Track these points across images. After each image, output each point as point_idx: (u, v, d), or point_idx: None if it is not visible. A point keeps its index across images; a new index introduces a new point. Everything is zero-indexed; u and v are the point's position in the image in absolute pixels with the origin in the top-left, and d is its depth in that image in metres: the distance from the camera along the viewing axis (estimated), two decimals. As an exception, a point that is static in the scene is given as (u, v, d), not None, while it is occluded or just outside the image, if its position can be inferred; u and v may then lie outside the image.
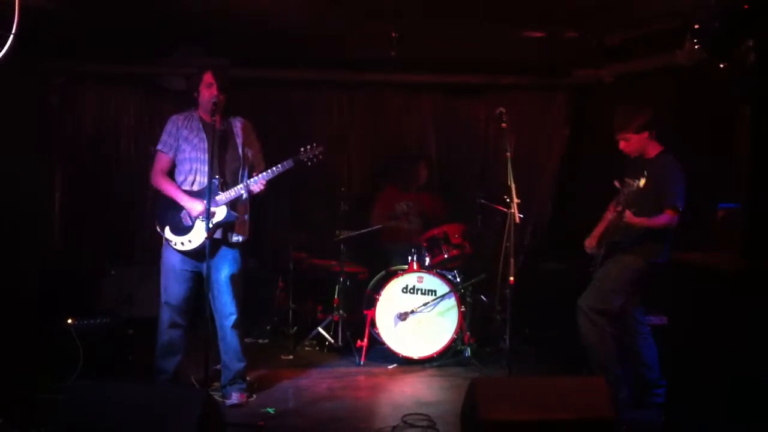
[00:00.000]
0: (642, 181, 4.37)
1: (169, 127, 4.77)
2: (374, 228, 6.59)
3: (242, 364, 4.89)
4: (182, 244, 4.65)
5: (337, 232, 6.33)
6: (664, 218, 4.59)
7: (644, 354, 4.89)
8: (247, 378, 5.03)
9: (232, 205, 4.67)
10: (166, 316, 4.75)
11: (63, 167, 6.93)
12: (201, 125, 4.73)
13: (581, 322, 4.81)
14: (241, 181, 4.70)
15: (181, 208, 4.66)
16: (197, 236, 4.63)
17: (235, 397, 4.80)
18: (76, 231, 6.95)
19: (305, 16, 5.57)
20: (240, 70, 6.61)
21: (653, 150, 4.80)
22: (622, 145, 4.83)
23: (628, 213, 4.54)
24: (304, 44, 6.42)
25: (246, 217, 4.84)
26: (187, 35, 6.17)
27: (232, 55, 6.48)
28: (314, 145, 4.78)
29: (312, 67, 7.13)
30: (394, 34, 5.93)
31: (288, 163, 4.70)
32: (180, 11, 5.40)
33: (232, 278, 4.79)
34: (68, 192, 6.92)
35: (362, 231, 6.44)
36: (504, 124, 4.80)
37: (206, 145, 4.65)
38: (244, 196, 4.72)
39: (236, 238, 4.78)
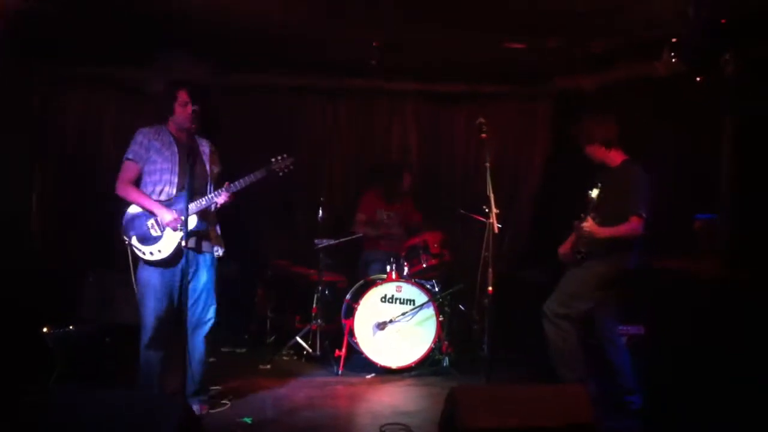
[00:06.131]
0: (594, 192, 4.47)
1: (140, 138, 4.73)
2: (354, 236, 6.58)
3: (204, 376, 4.84)
4: (151, 253, 4.59)
5: (317, 240, 6.32)
6: (629, 226, 4.66)
7: (616, 362, 4.94)
8: (211, 388, 5.00)
9: (201, 215, 4.66)
10: (147, 339, 4.66)
11: (43, 169, 6.88)
12: (172, 139, 4.74)
13: (546, 326, 4.90)
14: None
15: (147, 217, 4.62)
16: (167, 245, 4.59)
17: (196, 409, 4.73)
18: (55, 234, 6.90)
19: (289, 21, 5.57)
20: (222, 76, 6.59)
21: (617, 158, 4.91)
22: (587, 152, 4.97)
23: (590, 224, 4.61)
24: (287, 50, 6.41)
25: (218, 228, 4.86)
26: (169, 39, 6.15)
27: (215, 59, 6.46)
28: (285, 156, 4.78)
29: (295, 73, 7.13)
30: (376, 43, 5.94)
31: (259, 173, 4.70)
32: (163, 15, 5.39)
33: (209, 285, 4.77)
34: (48, 194, 6.88)
35: (342, 239, 6.43)
36: (484, 135, 4.82)
37: (177, 158, 4.66)
38: (212, 207, 4.73)
39: (217, 251, 4.79)
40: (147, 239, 4.61)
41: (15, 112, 6.33)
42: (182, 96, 4.66)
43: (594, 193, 4.51)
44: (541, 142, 7.73)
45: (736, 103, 4.81)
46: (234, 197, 4.70)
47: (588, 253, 4.81)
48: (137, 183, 4.73)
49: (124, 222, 4.71)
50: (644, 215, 4.64)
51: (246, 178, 4.67)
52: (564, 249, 5.04)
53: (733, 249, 4.87)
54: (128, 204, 4.71)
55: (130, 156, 4.72)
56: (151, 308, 4.63)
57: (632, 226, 4.65)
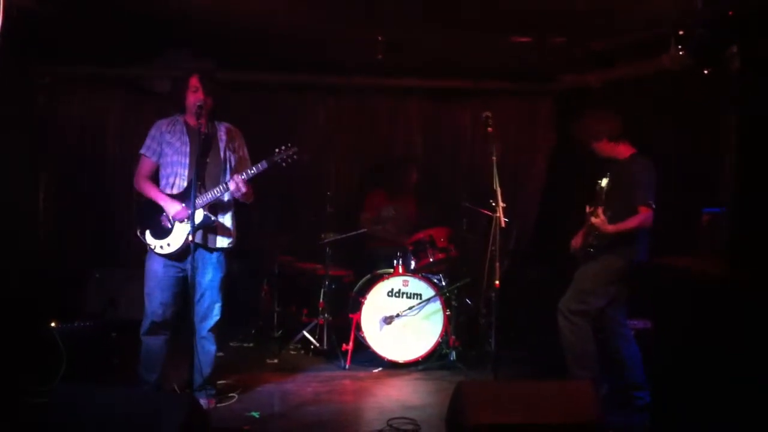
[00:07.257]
0: (604, 182, 4.46)
1: (153, 131, 4.77)
2: (360, 231, 6.57)
3: (212, 370, 4.86)
4: (161, 247, 4.63)
5: (323, 235, 6.32)
6: (639, 218, 4.65)
7: (626, 356, 4.91)
8: (218, 382, 5.03)
9: (209, 208, 4.66)
10: (148, 326, 4.69)
11: (48, 168, 6.89)
12: (185, 129, 4.74)
13: (560, 323, 4.88)
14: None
15: (161, 211, 4.64)
16: (176, 239, 4.62)
17: (204, 403, 4.75)
18: (60, 232, 6.92)
19: (293, 19, 5.56)
20: (226, 73, 6.58)
21: (625, 151, 4.90)
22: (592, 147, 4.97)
23: (600, 219, 4.59)
24: (291, 47, 6.40)
25: (228, 221, 4.82)
26: (173, 38, 6.15)
27: (218, 58, 6.46)
28: (288, 145, 4.75)
29: (299, 71, 7.11)
30: (380, 38, 5.93)
31: (262, 165, 4.67)
32: (166, 14, 5.39)
33: (215, 283, 4.77)
34: (53, 193, 6.89)
35: (348, 234, 6.42)
36: (490, 129, 4.80)
37: (188, 149, 4.66)
38: (226, 198, 4.72)
39: (221, 242, 4.76)
40: (159, 233, 4.65)
41: (17, 112, 6.33)
42: (193, 81, 4.67)
43: (604, 182, 4.49)
44: (543, 140, 7.69)
45: (739, 102, 4.78)
46: (251, 192, 4.70)
47: (598, 246, 4.80)
48: (156, 176, 4.76)
49: (139, 217, 4.74)
50: (653, 206, 4.63)
51: (248, 171, 4.66)
52: (576, 242, 5.03)
53: (734, 248, 4.83)
54: (143, 199, 4.74)
55: (143, 151, 4.77)
56: (153, 296, 4.68)
57: (642, 217, 4.64)
